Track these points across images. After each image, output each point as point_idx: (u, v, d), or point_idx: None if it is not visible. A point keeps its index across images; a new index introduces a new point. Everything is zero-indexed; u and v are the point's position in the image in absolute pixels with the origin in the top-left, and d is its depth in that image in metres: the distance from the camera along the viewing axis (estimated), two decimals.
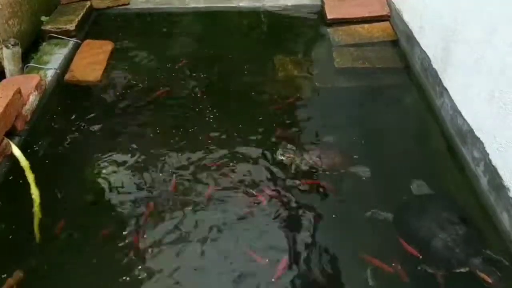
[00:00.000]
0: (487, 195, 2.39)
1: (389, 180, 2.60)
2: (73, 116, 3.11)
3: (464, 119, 2.65)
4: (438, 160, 2.74)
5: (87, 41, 3.80)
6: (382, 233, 2.30)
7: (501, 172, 2.28)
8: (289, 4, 4.33)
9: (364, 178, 2.56)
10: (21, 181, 2.46)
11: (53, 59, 3.49)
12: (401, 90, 3.33)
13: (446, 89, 2.89)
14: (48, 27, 3.76)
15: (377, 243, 2.26)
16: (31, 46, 3.70)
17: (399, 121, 3.04)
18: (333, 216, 2.38)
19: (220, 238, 2.28)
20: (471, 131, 2.56)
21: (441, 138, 2.85)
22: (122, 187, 2.58)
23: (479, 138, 2.48)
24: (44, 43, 3.70)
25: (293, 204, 2.44)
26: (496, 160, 2.33)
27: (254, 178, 2.60)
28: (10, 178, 2.57)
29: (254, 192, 2.50)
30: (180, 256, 2.21)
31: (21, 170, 2.46)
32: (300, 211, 2.40)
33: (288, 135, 2.89)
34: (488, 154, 2.39)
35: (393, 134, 2.93)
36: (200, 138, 2.89)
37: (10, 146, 2.56)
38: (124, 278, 2.12)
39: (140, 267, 2.16)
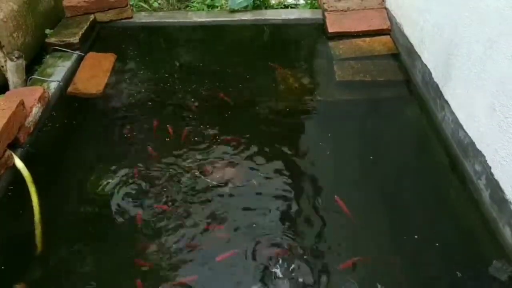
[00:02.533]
0: (489, 208, 2.38)
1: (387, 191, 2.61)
2: (75, 129, 3.13)
3: (465, 132, 2.65)
4: (439, 174, 2.74)
5: (90, 53, 3.83)
6: None
7: (503, 185, 2.27)
8: (291, 17, 4.37)
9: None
10: (23, 193, 2.46)
11: (56, 71, 3.52)
12: (402, 103, 3.35)
13: (447, 102, 2.90)
14: (52, 39, 3.79)
15: None
16: (34, 59, 3.74)
17: (399, 134, 3.04)
18: None
19: None
20: (472, 144, 2.56)
21: (442, 151, 2.85)
22: (123, 199, 2.58)
23: (480, 151, 2.48)
24: (47, 56, 3.73)
25: None
26: (498, 173, 2.32)
27: None
28: (12, 189, 2.57)
29: None
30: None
31: (23, 181, 2.46)
32: None
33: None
34: (490, 168, 2.39)
35: (392, 147, 2.93)
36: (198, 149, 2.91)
37: (13, 157, 2.56)
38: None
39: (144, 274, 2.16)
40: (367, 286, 2.10)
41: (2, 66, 3.30)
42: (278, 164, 2.78)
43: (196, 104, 3.32)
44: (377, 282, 2.10)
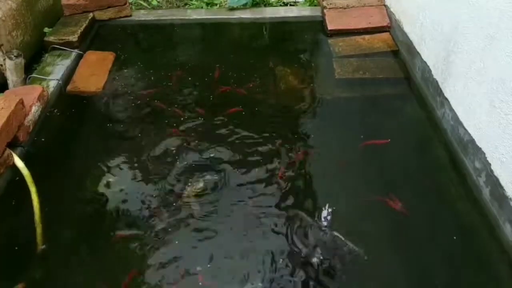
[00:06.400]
0: (489, 206, 2.39)
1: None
2: (75, 127, 3.13)
3: (465, 129, 2.65)
4: (439, 171, 2.73)
5: (89, 52, 3.82)
6: None
7: (503, 182, 2.27)
8: (290, 15, 4.37)
9: None
10: (23, 192, 2.46)
11: (55, 70, 3.51)
12: (402, 100, 3.34)
13: (447, 99, 2.90)
14: (51, 38, 3.79)
15: None
16: (33, 57, 3.73)
17: (399, 132, 3.03)
18: None
19: None
20: (472, 141, 2.56)
21: (442, 148, 2.85)
22: (123, 198, 2.58)
23: (480, 148, 2.48)
24: (46, 54, 3.72)
25: None
26: (498, 170, 2.32)
27: None
28: (12, 189, 2.57)
29: None
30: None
31: (23, 181, 2.46)
32: None
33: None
34: (490, 165, 2.39)
35: (392, 144, 2.91)
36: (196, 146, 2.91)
37: (12, 157, 2.56)
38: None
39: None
40: None
41: (1, 65, 3.29)
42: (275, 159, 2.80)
43: (192, 99, 3.35)
44: None
